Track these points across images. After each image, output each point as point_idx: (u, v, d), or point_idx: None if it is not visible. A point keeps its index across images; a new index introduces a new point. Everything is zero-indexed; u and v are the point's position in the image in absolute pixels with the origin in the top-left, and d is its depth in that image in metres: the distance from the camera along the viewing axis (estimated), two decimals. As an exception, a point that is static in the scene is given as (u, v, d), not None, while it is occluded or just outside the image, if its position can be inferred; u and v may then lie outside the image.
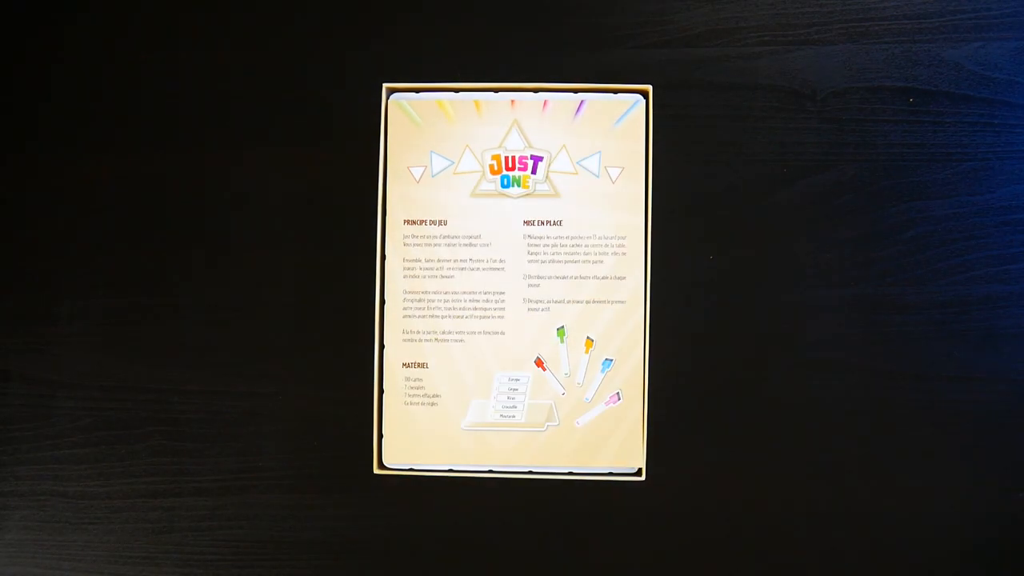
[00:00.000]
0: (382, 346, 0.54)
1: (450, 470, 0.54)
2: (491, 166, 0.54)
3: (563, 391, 0.54)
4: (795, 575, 0.59)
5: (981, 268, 0.58)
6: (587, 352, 0.54)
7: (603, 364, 0.54)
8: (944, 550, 0.58)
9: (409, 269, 0.55)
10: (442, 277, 0.54)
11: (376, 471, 0.54)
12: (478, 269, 0.54)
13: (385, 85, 0.54)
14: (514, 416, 0.54)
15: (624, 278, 0.54)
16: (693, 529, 0.58)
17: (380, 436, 0.54)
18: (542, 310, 0.54)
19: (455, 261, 0.54)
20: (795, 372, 0.58)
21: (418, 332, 0.55)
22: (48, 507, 0.60)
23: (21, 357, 0.61)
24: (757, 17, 0.59)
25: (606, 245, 0.54)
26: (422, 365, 0.54)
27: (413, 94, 0.55)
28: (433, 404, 0.55)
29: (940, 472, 0.58)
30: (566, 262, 0.54)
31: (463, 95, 0.55)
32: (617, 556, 0.59)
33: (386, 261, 0.54)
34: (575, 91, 0.54)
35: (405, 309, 0.55)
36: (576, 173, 0.54)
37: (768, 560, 0.58)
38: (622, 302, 0.54)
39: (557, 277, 0.54)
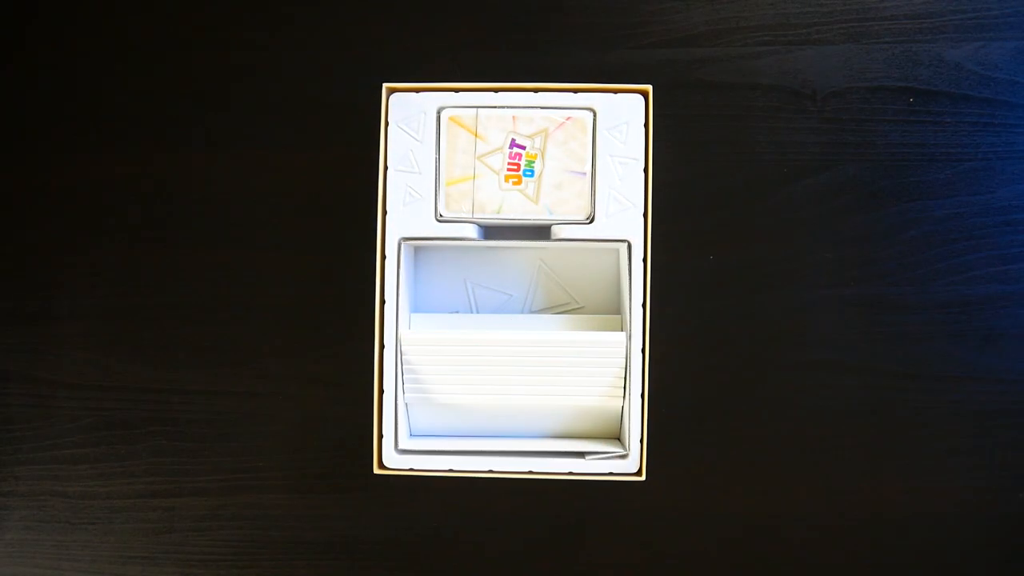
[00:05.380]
0: (382, 346, 0.54)
1: (450, 470, 0.54)
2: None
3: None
4: (795, 574, 0.59)
5: (981, 268, 0.58)
6: None
7: None
8: (944, 550, 0.58)
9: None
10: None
11: (376, 471, 0.54)
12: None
13: (385, 85, 0.54)
14: None
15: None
16: (693, 529, 0.58)
17: (380, 436, 0.54)
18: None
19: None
20: (795, 372, 0.58)
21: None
22: (48, 507, 0.60)
23: (21, 357, 0.61)
24: (757, 17, 0.59)
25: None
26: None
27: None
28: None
29: (940, 472, 0.58)
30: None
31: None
32: (617, 556, 0.59)
33: (386, 261, 0.54)
34: (575, 91, 0.54)
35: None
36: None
37: (768, 560, 0.58)
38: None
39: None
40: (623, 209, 0.54)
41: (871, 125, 0.58)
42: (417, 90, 0.55)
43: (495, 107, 0.55)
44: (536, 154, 0.54)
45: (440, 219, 0.54)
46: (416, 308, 0.58)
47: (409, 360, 0.54)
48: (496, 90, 0.55)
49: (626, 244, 0.54)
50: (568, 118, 0.54)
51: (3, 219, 0.61)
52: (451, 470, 0.54)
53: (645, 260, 0.54)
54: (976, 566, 0.58)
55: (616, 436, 0.56)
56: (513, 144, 0.54)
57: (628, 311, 0.54)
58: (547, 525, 0.59)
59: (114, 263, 0.60)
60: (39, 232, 0.61)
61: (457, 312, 0.58)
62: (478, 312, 0.59)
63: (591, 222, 0.54)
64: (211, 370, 0.60)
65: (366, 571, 0.59)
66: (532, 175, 0.54)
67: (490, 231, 0.57)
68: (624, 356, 0.54)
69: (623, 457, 0.54)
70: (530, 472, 0.54)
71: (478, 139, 0.54)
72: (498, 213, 0.54)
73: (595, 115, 0.54)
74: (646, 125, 0.54)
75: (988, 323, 0.58)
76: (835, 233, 0.58)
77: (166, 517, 0.60)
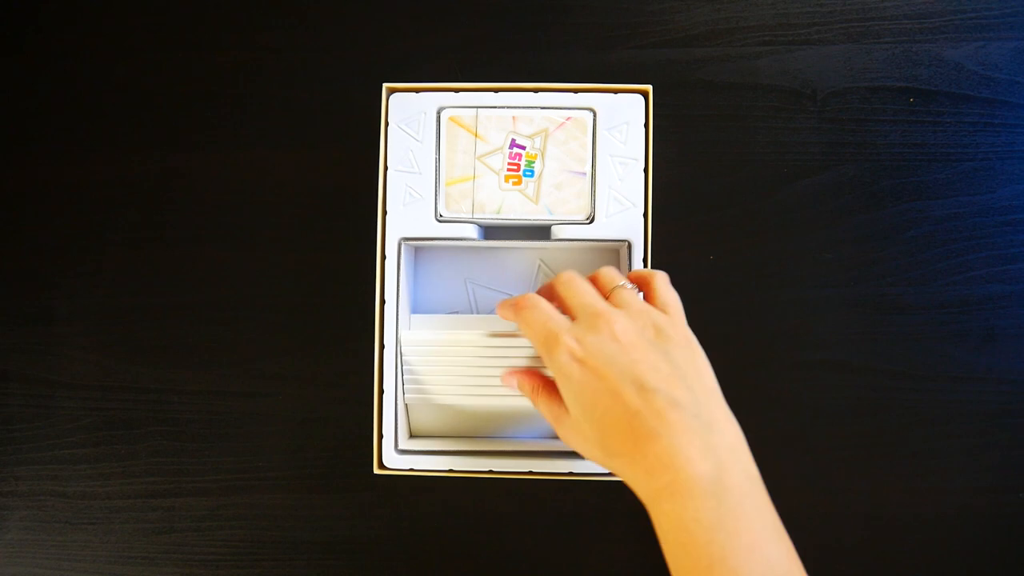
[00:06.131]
0: (382, 346, 0.54)
1: (450, 470, 0.54)
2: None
3: None
4: (795, 575, 0.58)
5: (981, 268, 0.58)
6: None
7: None
8: (944, 550, 0.58)
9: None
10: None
11: (376, 471, 0.54)
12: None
13: (385, 85, 0.54)
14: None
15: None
16: (693, 529, 0.58)
17: (380, 436, 0.54)
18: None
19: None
20: (795, 372, 0.58)
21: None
22: (48, 507, 0.60)
23: (21, 357, 0.61)
24: (757, 17, 0.59)
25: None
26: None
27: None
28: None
29: (940, 472, 0.58)
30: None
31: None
32: (617, 556, 0.59)
33: (386, 261, 0.54)
34: (575, 91, 0.54)
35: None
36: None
37: (768, 560, 0.58)
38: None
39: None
40: (623, 209, 0.54)
41: (871, 125, 0.58)
42: (417, 90, 0.55)
43: (495, 107, 0.55)
44: (536, 154, 0.54)
45: (440, 219, 0.54)
46: (416, 308, 0.58)
47: (409, 360, 0.54)
48: (496, 90, 0.55)
49: (626, 244, 0.54)
50: (568, 118, 0.54)
51: (3, 219, 0.61)
52: (451, 470, 0.54)
53: (645, 260, 0.54)
54: (976, 566, 0.58)
55: (616, 436, 0.56)
56: (513, 144, 0.54)
57: (628, 311, 0.54)
58: (547, 525, 0.59)
59: (114, 263, 0.60)
60: (39, 232, 0.61)
61: (457, 312, 0.58)
62: (478, 312, 0.59)
63: (591, 222, 0.54)
64: (211, 370, 0.60)
65: (366, 571, 0.59)
66: (532, 175, 0.54)
67: (490, 231, 0.57)
68: (624, 356, 0.54)
69: (623, 457, 0.53)
70: (530, 472, 0.54)
71: (478, 139, 0.54)
72: (498, 213, 0.54)
73: (595, 115, 0.54)
74: (646, 125, 0.54)
75: (988, 323, 0.58)
76: (835, 233, 0.58)
77: (166, 517, 0.60)
